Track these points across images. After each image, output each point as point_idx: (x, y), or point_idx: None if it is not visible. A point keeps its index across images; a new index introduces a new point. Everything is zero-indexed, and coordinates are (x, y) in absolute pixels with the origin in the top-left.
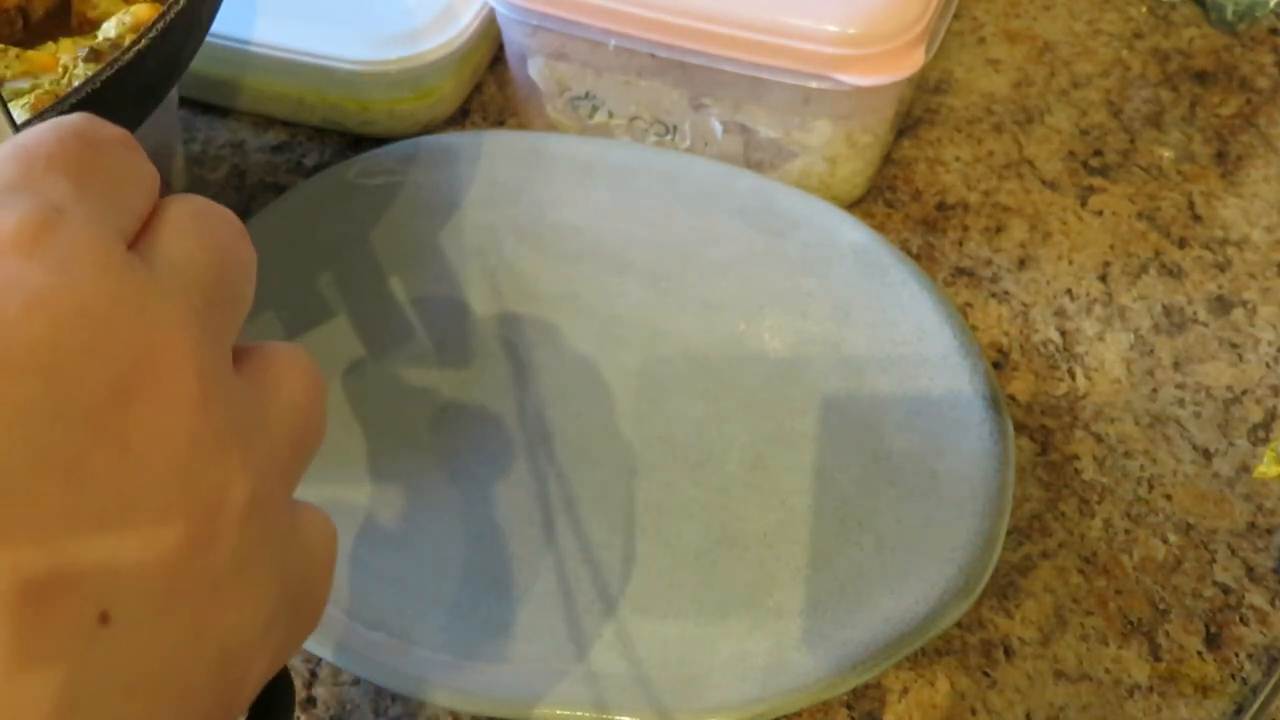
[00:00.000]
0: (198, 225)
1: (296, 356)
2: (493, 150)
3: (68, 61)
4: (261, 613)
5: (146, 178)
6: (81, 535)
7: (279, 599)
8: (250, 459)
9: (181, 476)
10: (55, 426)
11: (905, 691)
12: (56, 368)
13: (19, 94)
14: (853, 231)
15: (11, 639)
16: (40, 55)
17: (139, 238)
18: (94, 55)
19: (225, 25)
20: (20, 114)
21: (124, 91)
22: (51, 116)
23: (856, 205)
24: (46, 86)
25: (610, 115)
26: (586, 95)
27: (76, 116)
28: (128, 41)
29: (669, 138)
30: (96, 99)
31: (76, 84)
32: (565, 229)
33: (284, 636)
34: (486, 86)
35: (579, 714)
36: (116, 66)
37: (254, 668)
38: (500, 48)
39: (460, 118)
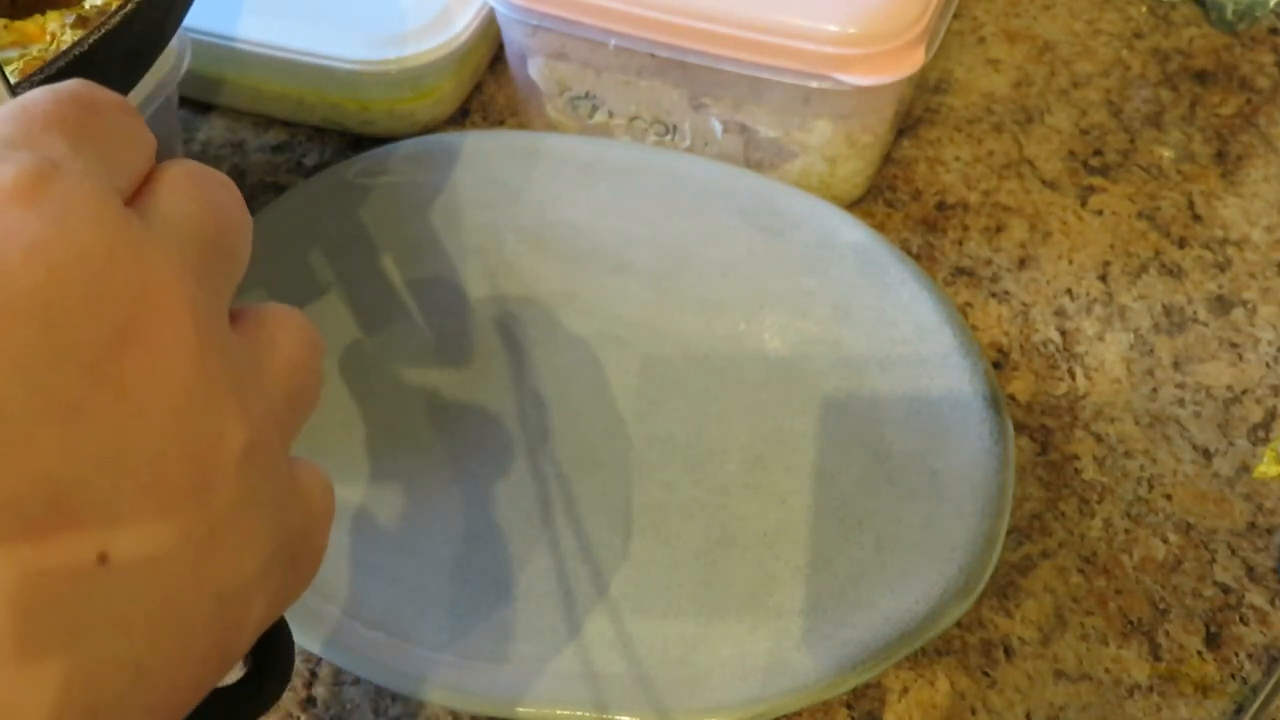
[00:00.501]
0: (194, 185)
1: (292, 315)
2: (493, 150)
3: (55, 29)
4: (259, 559)
5: (143, 140)
6: (80, 476)
7: (276, 547)
8: (246, 409)
9: (178, 422)
10: (53, 371)
11: (905, 691)
12: (54, 314)
13: (7, 63)
14: (852, 231)
15: (13, 577)
16: (28, 25)
17: (136, 196)
18: (81, 22)
19: (225, 25)
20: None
21: (111, 56)
22: (40, 79)
23: (856, 205)
24: (34, 54)
25: (610, 115)
26: (586, 95)
27: (73, 81)
28: (114, 8)
29: (669, 138)
30: (84, 63)
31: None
32: (565, 229)
33: (281, 585)
34: (486, 86)
35: (579, 714)
36: (103, 31)
37: (251, 613)
38: (500, 48)
39: (460, 118)
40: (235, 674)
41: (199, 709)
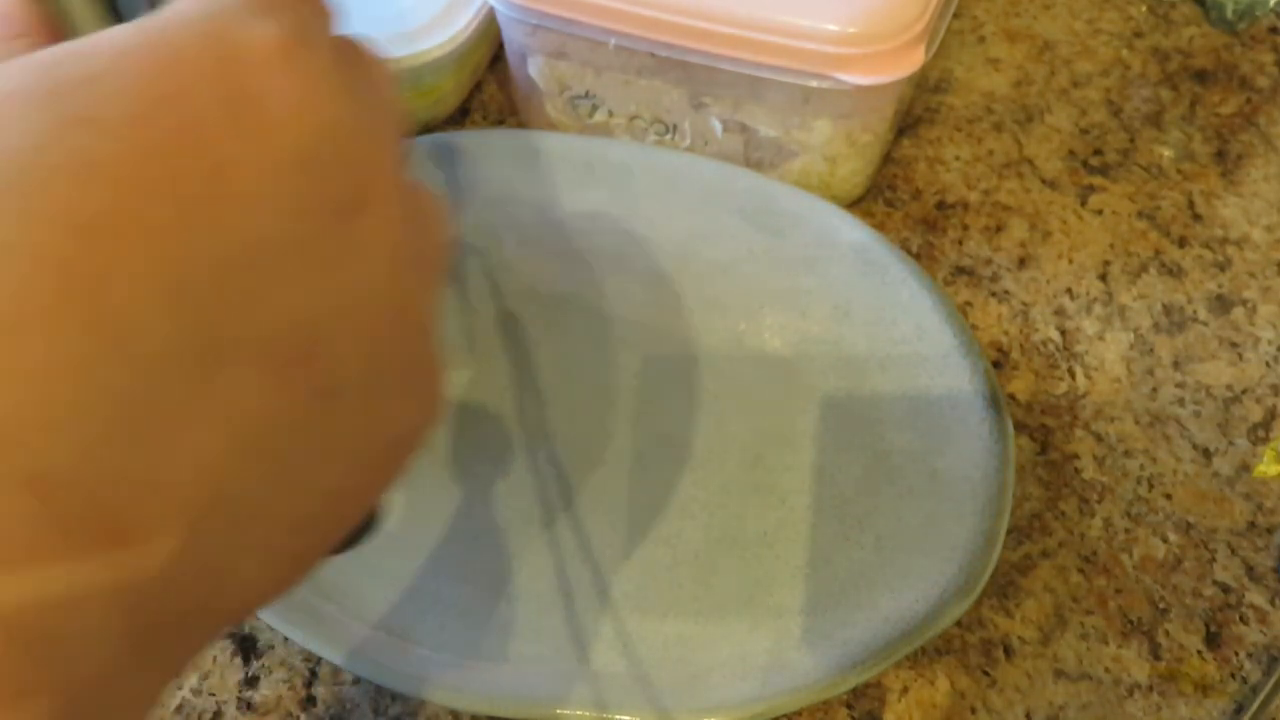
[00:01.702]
0: (372, 70)
1: (442, 202)
2: (492, 150)
3: None
4: (421, 412)
5: (334, 22)
6: (317, 318)
7: (430, 400)
8: (424, 283)
9: (387, 281)
10: (308, 221)
11: (905, 691)
12: (312, 171)
13: None
14: (852, 231)
15: (269, 394)
16: None
17: None
18: None
19: None
20: None
21: None
22: None
23: (856, 204)
24: None
25: (610, 114)
26: (586, 94)
27: None
28: None
29: (669, 137)
30: None
31: None
32: (565, 228)
33: (416, 439)
34: (486, 86)
35: (579, 714)
36: None
37: (405, 458)
38: (500, 47)
39: (460, 117)
40: None
41: None
